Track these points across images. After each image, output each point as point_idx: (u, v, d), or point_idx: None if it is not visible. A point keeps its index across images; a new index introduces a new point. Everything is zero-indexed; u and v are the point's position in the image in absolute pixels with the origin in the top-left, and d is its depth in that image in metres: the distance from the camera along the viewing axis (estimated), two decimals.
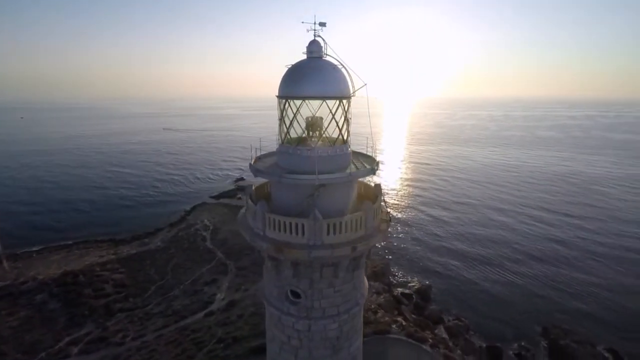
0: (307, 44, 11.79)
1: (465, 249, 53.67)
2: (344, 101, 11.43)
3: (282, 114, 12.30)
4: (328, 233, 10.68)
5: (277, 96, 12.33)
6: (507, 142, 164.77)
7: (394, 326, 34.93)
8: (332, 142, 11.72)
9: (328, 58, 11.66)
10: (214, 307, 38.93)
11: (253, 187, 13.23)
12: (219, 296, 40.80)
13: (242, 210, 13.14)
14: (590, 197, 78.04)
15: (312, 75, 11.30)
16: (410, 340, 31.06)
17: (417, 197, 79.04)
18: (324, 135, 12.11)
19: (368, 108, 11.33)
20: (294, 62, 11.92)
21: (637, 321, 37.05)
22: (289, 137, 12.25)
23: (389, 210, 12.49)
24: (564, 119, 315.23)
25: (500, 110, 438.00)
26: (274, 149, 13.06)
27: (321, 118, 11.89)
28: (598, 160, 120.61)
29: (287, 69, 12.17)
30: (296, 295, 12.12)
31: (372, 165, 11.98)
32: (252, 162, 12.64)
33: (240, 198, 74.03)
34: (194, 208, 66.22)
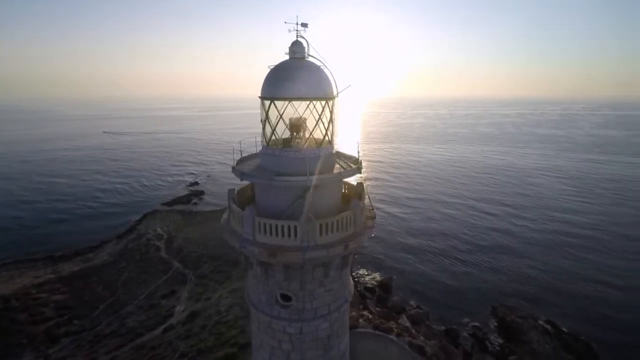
0: (289, 45, 11.74)
1: (419, 242, 56.58)
2: (330, 102, 11.54)
3: (265, 115, 12.12)
4: (321, 234, 10.74)
5: (261, 97, 12.11)
6: (452, 139, 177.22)
7: (361, 320, 35.84)
8: (319, 143, 11.75)
9: (310, 59, 11.69)
10: (173, 320, 36.84)
11: (235, 191, 12.84)
12: (178, 308, 38.71)
13: (225, 216, 12.68)
14: (524, 187, 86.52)
15: (297, 76, 11.24)
16: (377, 332, 32.13)
17: (372, 195, 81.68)
18: (307, 136, 12.12)
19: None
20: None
21: (568, 295, 41.82)
22: (274, 138, 12.10)
23: (372, 206, 12.84)
24: (499, 116, 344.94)
25: (445, 109, 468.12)
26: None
27: (304, 119, 11.91)
28: (529, 153, 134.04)
29: (269, 69, 12.02)
30: (286, 298, 11.99)
31: (356, 164, 12.24)
32: (234, 165, 12.26)
33: (196, 203, 70.77)
34: (144, 217, 61.75)
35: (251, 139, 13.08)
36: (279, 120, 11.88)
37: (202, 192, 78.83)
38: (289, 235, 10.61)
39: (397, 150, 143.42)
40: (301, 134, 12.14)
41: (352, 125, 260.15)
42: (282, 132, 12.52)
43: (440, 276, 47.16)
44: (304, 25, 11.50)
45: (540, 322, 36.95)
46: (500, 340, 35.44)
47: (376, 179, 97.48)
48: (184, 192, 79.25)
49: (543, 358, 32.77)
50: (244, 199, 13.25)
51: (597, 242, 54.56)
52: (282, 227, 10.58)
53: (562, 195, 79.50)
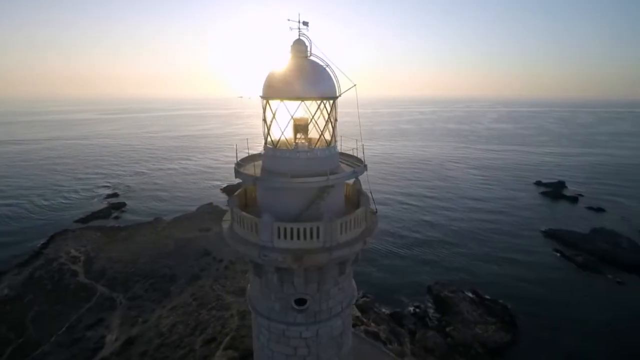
0: (292, 43, 11.48)
1: None
2: (335, 101, 11.59)
3: (271, 115, 11.67)
4: (341, 232, 10.82)
5: (265, 97, 11.62)
6: (378, 136, 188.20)
7: None
8: (327, 142, 11.70)
9: (313, 57, 11.58)
10: (105, 352, 32.20)
11: (237, 198, 12.05)
12: (109, 337, 33.92)
13: (226, 226, 11.82)
14: (442, 177, 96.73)
15: (306, 76, 11.06)
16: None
17: None
18: (309, 136, 12.01)
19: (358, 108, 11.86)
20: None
21: (485, 269, 48.53)
22: (274, 139, 11.71)
23: (374, 201, 13.30)
24: (416, 114, 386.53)
25: (368, 108, 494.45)
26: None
27: (307, 119, 11.78)
28: (444, 146, 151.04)
29: (272, 68, 11.61)
30: (301, 302, 11.76)
31: (360, 162, 12.56)
32: (238, 169, 11.52)
33: (117, 217, 62.34)
34: (51, 239, 51.47)
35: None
36: (290, 122, 11.57)
37: (123, 205, 69.20)
38: (311, 237, 10.46)
39: None
40: (303, 134, 11.96)
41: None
42: (282, 132, 12.20)
43: (380, 264, 50.40)
44: (305, 23, 11.34)
45: (467, 293, 42.28)
46: (438, 315, 39.54)
47: None
48: (101, 206, 68.38)
49: (473, 324, 37.68)
50: (240, 204, 12.52)
51: (503, 224, 64.10)
52: (305, 229, 10.37)
53: (474, 184, 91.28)
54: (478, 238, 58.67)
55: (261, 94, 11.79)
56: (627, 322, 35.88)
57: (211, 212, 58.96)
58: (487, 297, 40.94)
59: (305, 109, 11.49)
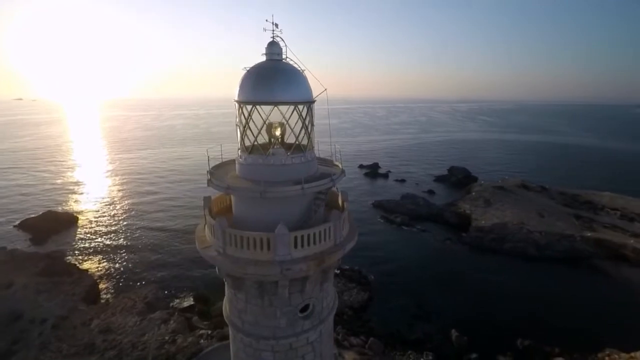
0: (266, 45, 10.84)
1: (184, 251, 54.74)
2: (312, 105, 11.65)
3: (245, 120, 10.70)
4: (343, 228, 11.36)
5: (240, 101, 10.56)
6: (218, 137, 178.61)
7: (202, 341, 33.05)
8: (307, 147, 11.59)
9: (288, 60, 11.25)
10: None
11: (224, 218, 10.43)
12: None
13: (213, 254, 10.22)
14: None
15: (283, 80, 10.67)
16: (225, 342, 30.86)
17: (137, 213, 68.99)
18: (285, 141, 11.71)
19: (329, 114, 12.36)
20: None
21: None
22: (250, 144, 11.00)
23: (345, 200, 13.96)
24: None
25: (203, 109, 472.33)
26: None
27: (283, 123, 11.44)
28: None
29: (246, 71, 10.63)
30: (304, 308, 11.59)
31: (338, 168, 12.82)
32: (211, 179, 10.06)
33: None
34: None
35: None
36: (262, 126, 10.96)
37: None
38: (325, 239, 10.58)
39: (163, 155, 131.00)
40: (280, 138, 11.57)
41: (94, 132, 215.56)
42: (252, 137, 11.44)
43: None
44: (275, 25, 10.92)
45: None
46: None
47: (141, 193, 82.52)
48: None
49: (340, 293, 42.65)
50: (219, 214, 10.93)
51: None
52: (320, 232, 10.38)
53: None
54: None
55: (235, 98, 10.77)
56: (431, 256, 51.12)
57: (8, 260, 42.29)
58: (346, 267, 46.90)
59: (280, 113, 11.10)
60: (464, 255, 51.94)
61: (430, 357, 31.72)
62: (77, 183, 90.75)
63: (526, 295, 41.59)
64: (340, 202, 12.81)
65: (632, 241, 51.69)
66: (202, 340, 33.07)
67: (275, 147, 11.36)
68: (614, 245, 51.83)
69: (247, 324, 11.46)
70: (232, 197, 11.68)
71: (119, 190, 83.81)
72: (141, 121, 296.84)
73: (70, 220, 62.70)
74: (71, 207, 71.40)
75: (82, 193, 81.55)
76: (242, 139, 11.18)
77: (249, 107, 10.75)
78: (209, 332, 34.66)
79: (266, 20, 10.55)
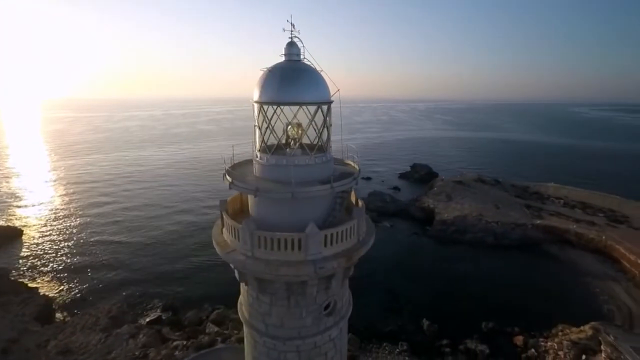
0: (285, 46, 10.81)
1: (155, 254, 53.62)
2: (330, 105, 11.71)
3: (268, 121, 10.64)
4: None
5: (261, 102, 10.46)
6: (178, 139, 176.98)
7: (177, 353, 31.76)
8: (322, 148, 11.53)
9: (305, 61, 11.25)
10: None
11: (251, 220, 10.27)
12: None
13: (241, 257, 10.05)
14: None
15: (304, 80, 10.69)
16: (204, 350, 29.76)
17: (90, 224, 64.07)
18: (303, 142, 11.71)
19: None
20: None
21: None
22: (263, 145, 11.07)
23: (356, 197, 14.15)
24: (213, 114, 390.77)
25: (159, 110, 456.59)
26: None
27: (300, 124, 11.46)
28: (239, 144, 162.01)
29: (267, 72, 10.54)
30: (327, 306, 11.70)
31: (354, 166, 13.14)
32: (231, 181, 9.90)
33: None
34: None
35: None
36: (286, 127, 10.99)
37: None
38: (351, 236, 10.79)
39: (120, 159, 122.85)
40: (298, 139, 11.54)
41: (37, 134, 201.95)
42: (268, 138, 11.40)
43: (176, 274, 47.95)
44: (292, 25, 10.90)
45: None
46: None
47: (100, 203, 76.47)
48: None
49: None
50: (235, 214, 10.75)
51: None
52: (347, 230, 10.58)
53: None
54: None
55: (256, 99, 10.67)
56: (400, 251, 53.17)
57: None
58: None
59: (305, 113, 11.10)
60: (430, 247, 54.80)
61: (405, 347, 33.33)
62: (18, 194, 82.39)
63: (487, 281, 44.84)
64: (354, 199, 13.07)
65: (574, 226, 57.32)
66: (177, 352, 31.95)
67: (294, 147, 11.37)
68: (559, 230, 57.18)
69: (271, 327, 11.36)
70: (250, 199, 11.50)
71: (68, 201, 77.22)
72: (91, 122, 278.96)
73: (13, 235, 57.18)
74: (13, 220, 64.63)
75: (25, 205, 74.07)
76: (262, 140, 11.05)
77: (274, 107, 10.67)
78: (184, 342, 33.54)
79: (287, 21, 10.55)
